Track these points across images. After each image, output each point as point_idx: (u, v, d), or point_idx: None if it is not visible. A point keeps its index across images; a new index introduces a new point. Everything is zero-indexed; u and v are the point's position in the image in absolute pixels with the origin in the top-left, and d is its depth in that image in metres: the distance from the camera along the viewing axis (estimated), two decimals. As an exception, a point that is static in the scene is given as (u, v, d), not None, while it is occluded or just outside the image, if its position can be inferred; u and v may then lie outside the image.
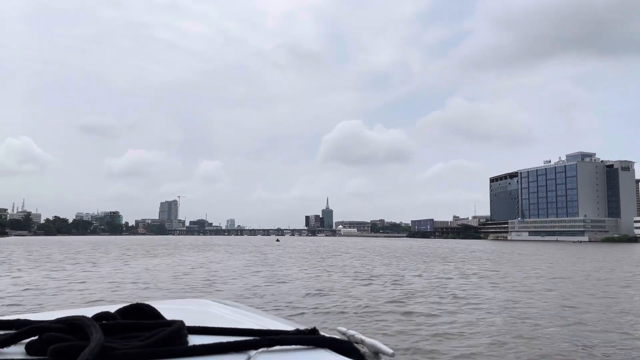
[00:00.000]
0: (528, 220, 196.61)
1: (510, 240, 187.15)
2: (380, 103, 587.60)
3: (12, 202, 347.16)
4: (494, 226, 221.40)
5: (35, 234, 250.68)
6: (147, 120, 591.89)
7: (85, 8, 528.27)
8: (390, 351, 1.25)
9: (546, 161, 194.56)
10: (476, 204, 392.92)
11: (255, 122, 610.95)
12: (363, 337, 1.34)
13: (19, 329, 1.09)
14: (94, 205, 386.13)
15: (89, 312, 1.24)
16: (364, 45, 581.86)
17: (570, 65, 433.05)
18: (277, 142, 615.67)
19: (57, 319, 1.13)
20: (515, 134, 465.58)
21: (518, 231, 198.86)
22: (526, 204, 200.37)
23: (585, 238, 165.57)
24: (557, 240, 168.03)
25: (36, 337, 1.05)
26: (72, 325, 1.09)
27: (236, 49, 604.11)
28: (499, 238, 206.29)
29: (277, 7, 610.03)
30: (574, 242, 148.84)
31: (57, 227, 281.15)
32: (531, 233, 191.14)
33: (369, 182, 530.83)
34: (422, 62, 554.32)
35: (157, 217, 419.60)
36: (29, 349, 1.03)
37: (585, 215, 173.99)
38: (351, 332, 1.40)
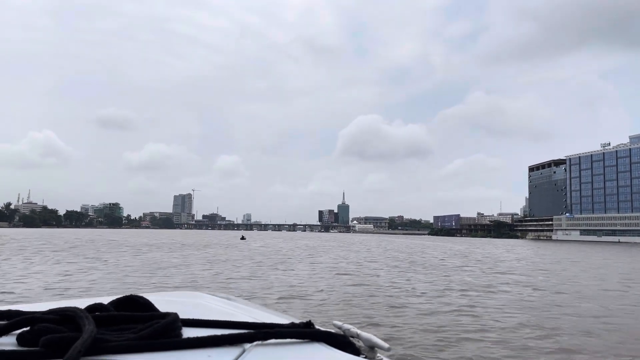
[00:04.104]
0: (580, 216, 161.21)
1: (557, 240, 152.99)
2: (400, 98, 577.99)
3: (18, 192, 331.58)
4: (534, 223, 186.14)
5: (15, 225, 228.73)
6: (166, 115, 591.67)
7: (107, 2, 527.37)
8: (386, 345, 1.23)
9: (604, 144, 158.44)
10: (502, 200, 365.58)
11: (274, 116, 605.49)
12: (359, 331, 1.32)
13: (10, 320, 1.07)
14: (111, 199, 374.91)
15: (82, 303, 1.22)
16: (384, 39, 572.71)
17: (596, 58, 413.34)
18: (296, 137, 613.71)
19: (50, 309, 1.11)
20: (538, 128, 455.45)
21: (566, 229, 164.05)
22: (576, 196, 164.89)
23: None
24: (620, 242, 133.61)
25: (28, 328, 1.03)
26: (64, 317, 1.07)
27: (256, 43, 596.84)
28: (541, 237, 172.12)
29: (297, 0, 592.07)
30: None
31: (43, 218, 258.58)
32: (583, 232, 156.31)
33: (387, 178, 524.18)
34: (443, 56, 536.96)
35: (171, 211, 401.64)
36: (21, 339, 1.01)
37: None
38: (347, 326, 1.37)
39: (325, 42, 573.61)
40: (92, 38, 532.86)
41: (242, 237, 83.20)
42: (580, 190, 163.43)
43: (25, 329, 1.03)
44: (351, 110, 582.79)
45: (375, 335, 1.27)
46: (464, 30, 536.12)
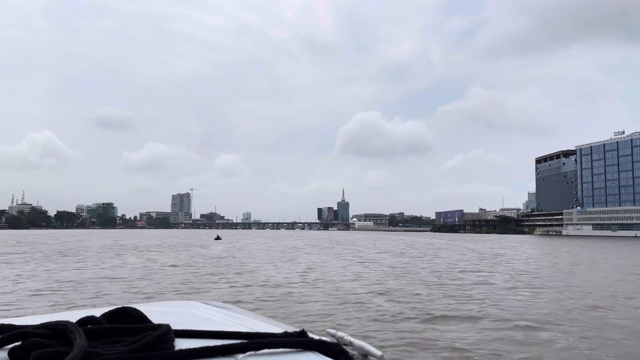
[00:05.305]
0: (592, 210, 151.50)
1: (567, 235, 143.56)
2: (399, 94, 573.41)
3: (12, 194, 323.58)
4: (543, 218, 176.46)
5: (1, 227, 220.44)
6: (165, 114, 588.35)
7: (105, 2, 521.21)
8: (379, 353, 1.23)
9: (617, 132, 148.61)
10: (504, 196, 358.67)
11: (274, 115, 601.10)
12: (352, 339, 1.31)
13: (1, 334, 1.07)
14: (109, 199, 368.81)
15: (74, 316, 1.21)
16: (383, 36, 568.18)
17: (596, 52, 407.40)
18: (296, 135, 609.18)
19: (41, 323, 1.11)
20: (538, 123, 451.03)
21: (577, 224, 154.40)
22: (588, 189, 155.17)
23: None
24: (636, 236, 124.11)
25: (19, 343, 1.02)
26: (55, 331, 1.06)
27: (254, 41, 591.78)
28: (550, 233, 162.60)
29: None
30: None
31: (32, 219, 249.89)
32: (596, 227, 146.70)
33: (387, 175, 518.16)
34: (442, 52, 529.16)
35: (169, 211, 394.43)
36: (12, 354, 0.99)
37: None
38: (340, 334, 1.37)
39: (324, 40, 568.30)
40: (91, 38, 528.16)
41: (217, 237, 74.01)
42: (593, 182, 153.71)
43: (16, 343, 1.02)
44: (350, 108, 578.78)
45: (368, 343, 1.26)
46: (462, 26, 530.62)
